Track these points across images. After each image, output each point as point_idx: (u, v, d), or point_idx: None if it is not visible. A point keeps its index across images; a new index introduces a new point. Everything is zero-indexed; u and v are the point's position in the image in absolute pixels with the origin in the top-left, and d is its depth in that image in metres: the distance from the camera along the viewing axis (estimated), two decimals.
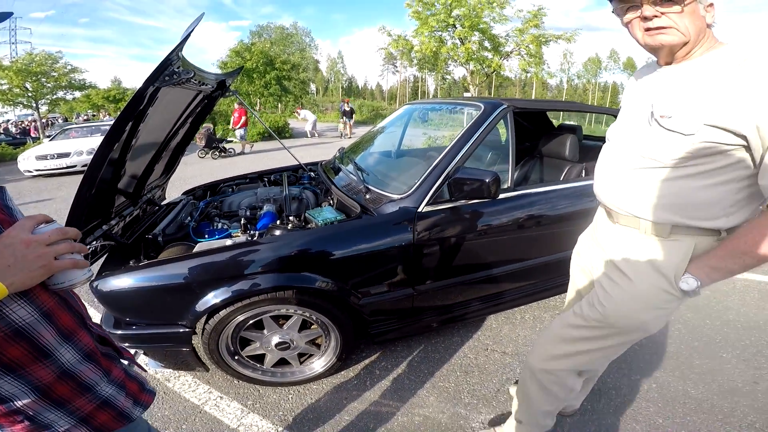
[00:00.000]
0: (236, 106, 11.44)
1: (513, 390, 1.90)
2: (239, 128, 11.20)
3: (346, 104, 16.11)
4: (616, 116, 2.65)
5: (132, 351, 1.34)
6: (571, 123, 3.42)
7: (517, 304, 2.34)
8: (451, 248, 1.90)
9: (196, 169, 8.42)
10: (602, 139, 3.34)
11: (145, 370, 1.15)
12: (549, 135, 2.93)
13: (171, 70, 1.52)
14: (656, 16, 0.96)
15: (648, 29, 0.99)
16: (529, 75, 17.87)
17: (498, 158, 3.16)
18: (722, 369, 2.05)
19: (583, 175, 2.53)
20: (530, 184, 2.41)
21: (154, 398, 0.87)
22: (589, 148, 3.13)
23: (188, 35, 1.51)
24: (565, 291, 2.50)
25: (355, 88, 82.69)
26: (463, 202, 1.86)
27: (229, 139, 11.46)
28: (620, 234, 1.18)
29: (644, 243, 1.11)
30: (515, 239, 2.07)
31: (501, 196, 1.94)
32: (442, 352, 2.23)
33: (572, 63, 64.73)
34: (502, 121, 2.10)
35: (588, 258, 1.37)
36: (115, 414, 0.77)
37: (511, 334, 2.40)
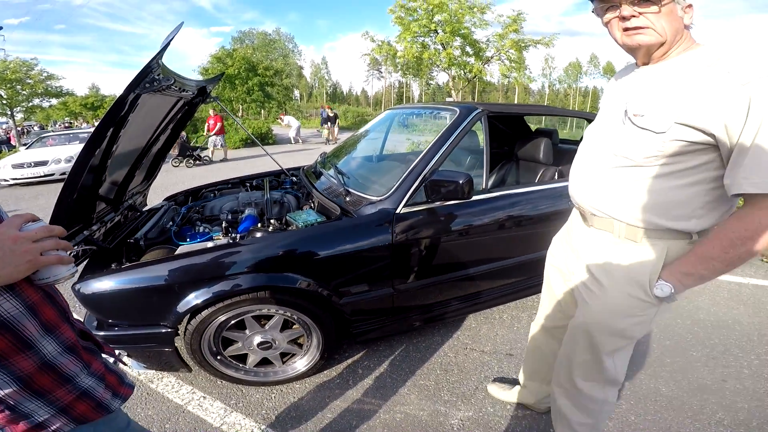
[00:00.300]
0: (211, 112, 11.09)
1: (491, 388, 1.95)
2: (214, 135, 10.89)
3: (328, 110, 16.02)
4: (590, 120, 2.79)
5: (116, 353, 1.36)
6: (547, 128, 3.53)
7: (494, 304, 2.41)
8: (428, 248, 1.97)
9: (177, 177, 8.34)
10: (578, 143, 3.48)
11: (125, 364, 1.18)
12: (524, 139, 3.03)
13: (151, 77, 1.55)
14: (634, 16, 0.97)
15: (626, 29, 1.01)
16: (509, 80, 18.18)
17: (477, 162, 3.25)
18: (692, 367, 2.11)
19: (557, 177, 2.63)
20: (505, 186, 2.50)
21: (133, 391, 0.90)
22: (565, 152, 3.25)
23: (168, 43, 1.54)
24: (540, 292, 2.60)
25: (339, 93, 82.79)
26: (439, 203, 1.92)
27: (203, 146, 11.15)
28: (594, 238, 1.19)
29: (617, 249, 1.12)
30: (490, 240, 2.14)
31: (476, 197, 2.02)
32: (423, 351, 2.28)
33: (554, 68, 66.21)
34: (479, 124, 2.18)
35: (563, 260, 1.39)
36: (94, 405, 0.80)
37: (489, 334, 2.46)
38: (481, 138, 3.34)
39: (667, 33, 0.97)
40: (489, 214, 2.08)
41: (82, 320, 1.75)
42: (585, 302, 1.21)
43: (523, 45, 15.91)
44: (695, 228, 1.03)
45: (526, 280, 2.41)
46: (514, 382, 1.95)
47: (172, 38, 1.57)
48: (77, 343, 0.78)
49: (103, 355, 0.89)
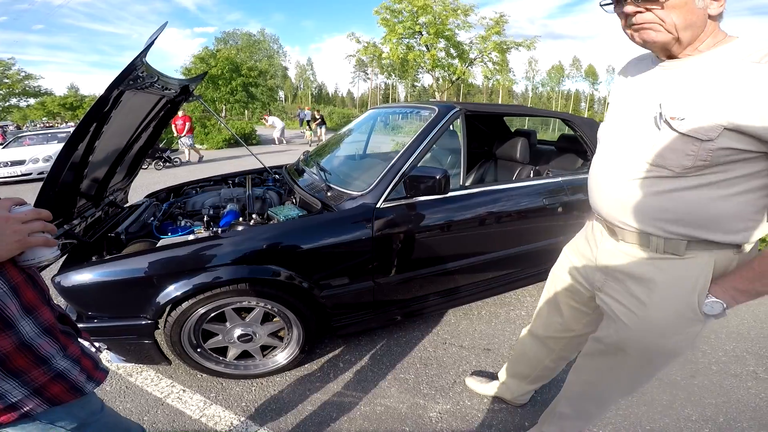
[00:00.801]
0: (180, 113, 10.34)
1: (469, 381, 1.99)
2: (185, 136, 10.39)
3: (315, 113, 15.58)
4: (566, 121, 2.90)
5: (96, 345, 1.38)
6: (526, 128, 3.64)
7: (473, 299, 2.47)
8: (408, 242, 2.01)
9: (157, 177, 8.22)
10: (553, 144, 3.57)
11: (100, 351, 1.19)
12: (503, 139, 3.12)
13: (135, 75, 1.58)
14: (639, 12, 0.89)
15: (633, 25, 0.92)
16: (492, 83, 18.41)
17: (457, 161, 3.31)
18: None
19: (531, 175, 2.73)
20: (482, 183, 2.57)
21: (107, 375, 0.92)
22: (542, 152, 3.36)
23: (152, 42, 1.56)
24: (516, 288, 2.68)
25: (325, 95, 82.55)
26: (418, 198, 1.97)
27: (173, 148, 10.75)
28: (627, 253, 1.07)
29: (657, 264, 1.02)
30: (468, 235, 2.20)
31: (454, 193, 2.08)
32: (404, 346, 2.32)
33: (537, 71, 67.21)
34: (459, 124, 2.24)
35: (580, 276, 1.29)
36: (68, 387, 0.81)
37: (468, 329, 2.51)
38: (461, 137, 3.44)
39: (677, 28, 0.88)
40: (466, 210, 2.14)
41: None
42: (621, 322, 1.11)
43: (505, 47, 16.13)
44: (743, 240, 0.94)
45: (503, 276, 2.48)
46: (491, 376, 2.00)
47: (157, 37, 1.59)
48: (55, 326, 0.80)
49: (80, 340, 0.91)
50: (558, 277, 1.41)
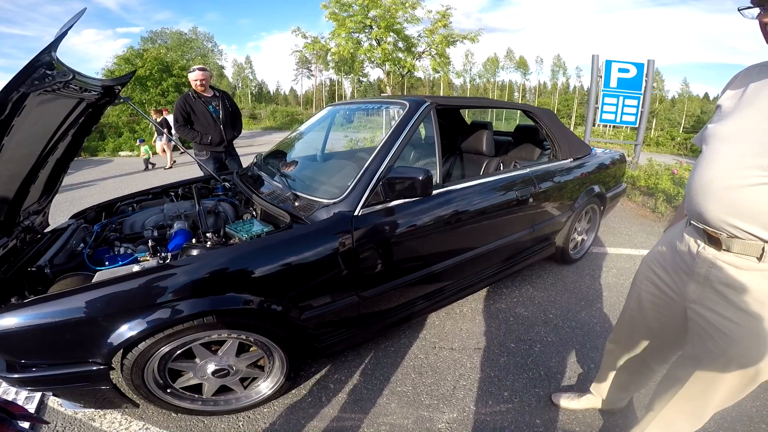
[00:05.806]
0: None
1: (556, 399, 1.86)
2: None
3: (164, 111, 10.83)
4: (527, 112, 2.86)
5: (38, 393, 1.08)
6: (482, 120, 3.60)
7: (456, 298, 2.37)
8: (391, 250, 1.84)
9: (87, 190, 7.38)
10: (509, 135, 3.57)
11: (47, 423, 0.95)
12: (466, 132, 3.04)
13: (42, 73, 1.27)
14: None
15: None
16: (438, 75, 18.65)
17: (421, 156, 3.20)
18: None
19: (502, 167, 2.68)
20: (456, 180, 2.47)
21: None
22: (501, 143, 3.34)
23: (65, 32, 1.28)
24: (497, 281, 2.61)
25: (266, 93, 79.77)
26: (397, 202, 1.81)
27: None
28: (731, 263, 1.01)
29: None
30: (450, 234, 2.09)
31: (434, 192, 1.94)
32: (393, 356, 2.18)
33: (473, 63, 69.36)
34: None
35: (670, 287, 1.22)
36: None
37: (454, 329, 2.43)
38: (421, 132, 3.32)
39: None
40: (448, 208, 2.02)
41: None
42: (723, 335, 1.05)
43: (451, 40, 16.37)
44: None
45: (483, 270, 2.43)
46: (578, 390, 1.90)
47: (72, 25, 1.31)
48: None
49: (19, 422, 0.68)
50: (642, 290, 1.34)
